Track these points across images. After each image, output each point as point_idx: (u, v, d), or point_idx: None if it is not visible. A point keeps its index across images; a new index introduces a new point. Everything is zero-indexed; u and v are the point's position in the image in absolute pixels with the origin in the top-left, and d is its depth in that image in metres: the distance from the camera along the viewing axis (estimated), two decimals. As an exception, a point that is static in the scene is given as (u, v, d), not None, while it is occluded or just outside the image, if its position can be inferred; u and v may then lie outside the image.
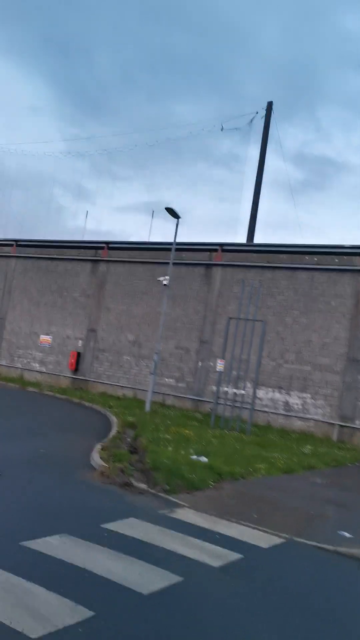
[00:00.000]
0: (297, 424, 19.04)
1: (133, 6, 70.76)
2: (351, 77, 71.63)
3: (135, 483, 8.08)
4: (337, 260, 19.12)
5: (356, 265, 18.71)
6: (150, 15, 72.18)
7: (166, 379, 21.75)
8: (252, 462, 10.75)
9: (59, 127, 79.11)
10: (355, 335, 18.44)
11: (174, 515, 6.90)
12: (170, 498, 7.67)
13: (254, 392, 16.54)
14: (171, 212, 18.00)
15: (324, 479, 10.72)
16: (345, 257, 19.01)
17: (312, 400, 18.93)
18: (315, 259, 19.51)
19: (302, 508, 8.16)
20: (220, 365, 17.10)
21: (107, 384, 23.18)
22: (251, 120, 31.55)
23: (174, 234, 18.68)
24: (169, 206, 17.81)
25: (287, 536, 6.74)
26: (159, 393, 21.45)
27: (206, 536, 6.20)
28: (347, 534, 7.18)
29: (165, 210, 18.05)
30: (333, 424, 18.34)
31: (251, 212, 28.25)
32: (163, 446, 11.06)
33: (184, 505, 7.43)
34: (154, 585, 4.56)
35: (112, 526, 6.00)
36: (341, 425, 18.20)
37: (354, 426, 17.98)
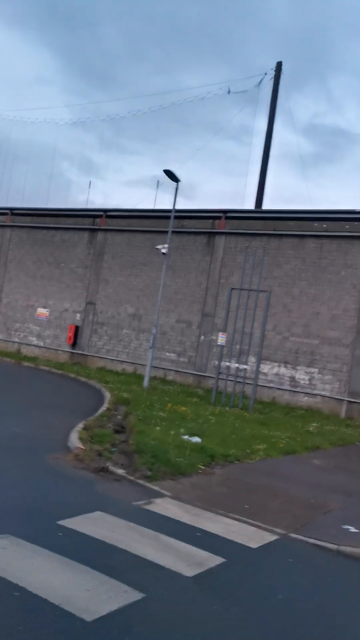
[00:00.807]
0: (304, 400, 18.04)
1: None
2: None
3: (112, 468, 7.14)
4: (348, 227, 17.85)
5: (368, 232, 17.45)
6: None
7: (167, 354, 20.78)
8: (251, 443, 9.78)
9: (65, 100, 77.16)
10: (367, 306, 17.26)
11: (151, 508, 5.95)
12: (150, 486, 6.72)
13: (258, 367, 15.52)
14: (170, 174, 16.80)
15: (329, 460, 9.74)
16: (357, 223, 17.73)
17: (320, 376, 17.88)
18: (325, 226, 18.25)
19: (301, 497, 7.18)
20: (221, 338, 16.06)
21: (107, 358, 22.27)
22: (259, 82, 29.88)
23: (173, 198, 17.49)
24: (168, 169, 16.61)
25: (282, 532, 5.77)
26: (159, 368, 20.52)
27: (185, 534, 5.24)
28: (352, 529, 6.20)
29: (164, 173, 16.84)
30: (342, 399, 17.32)
31: (259, 180, 26.86)
32: (154, 425, 10.12)
33: (165, 495, 6.48)
34: (102, 607, 3.60)
35: (70, 523, 5.05)
36: (350, 402, 17.17)
37: (364, 403, 16.95)
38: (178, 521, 5.65)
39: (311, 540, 5.65)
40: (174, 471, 7.33)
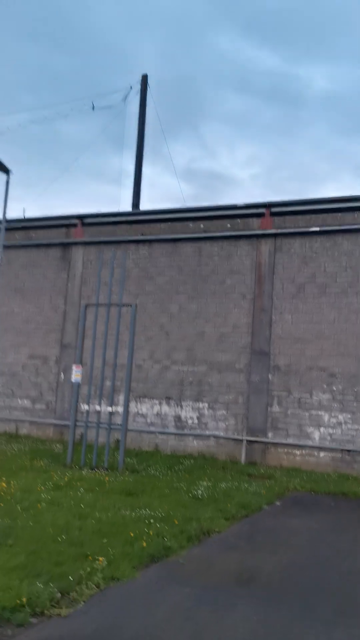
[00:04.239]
0: (194, 445, 14.23)
1: (10, 28, 64.81)
2: (230, 96, 70.59)
3: None
4: (229, 226, 14.63)
5: (254, 230, 14.31)
6: (30, 36, 66.56)
7: (19, 401, 16.16)
8: (91, 544, 5.63)
9: None
10: (260, 319, 13.98)
11: None
12: None
13: (126, 407, 11.45)
14: (-5, 162, 12.64)
15: (225, 561, 5.81)
16: (239, 220, 14.56)
17: (211, 411, 14.20)
18: (202, 226, 14.90)
19: None
20: (76, 373, 11.87)
21: None
22: (125, 97, 27.07)
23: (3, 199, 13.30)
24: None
25: None
26: (9, 420, 15.84)
27: None
28: None
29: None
30: (240, 440, 13.72)
31: (133, 189, 23.46)
32: None
33: None
34: None
35: None
36: (250, 441, 13.61)
37: (267, 440, 13.46)
38: None
39: None
40: None
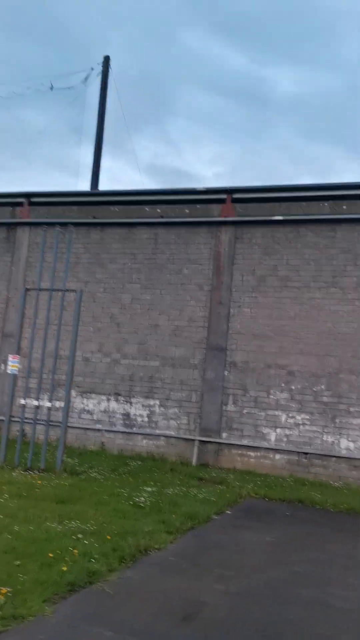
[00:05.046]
0: (143, 445, 13.24)
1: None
2: (197, 94, 69.80)
3: None
4: (188, 212, 13.69)
5: (215, 217, 13.42)
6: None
7: None
8: None
9: None
10: (217, 313, 13.11)
11: None
12: None
13: (67, 403, 10.37)
14: None
15: (159, 594, 4.85)
16: (199, 205, 13.64)
17: (162, 409, 13.25)
18: (159, 211, 13.91)
19: None
20: (12, 364, 10.70)
21: None
22: (86, 79, 25.93)
23: None
24: None
25: None
26: None
27: None
28: None
29: None
30: (192, 440, 12.82)
31: (92, 180, 22.33)
32: None
33: None
34: None
35: None
36: (203, 442, 12.73)
37: (221, 441, 12.60)
38: None
39: None
40: None
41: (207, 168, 66.37)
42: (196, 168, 65.90)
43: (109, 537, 5.84)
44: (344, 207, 12.52)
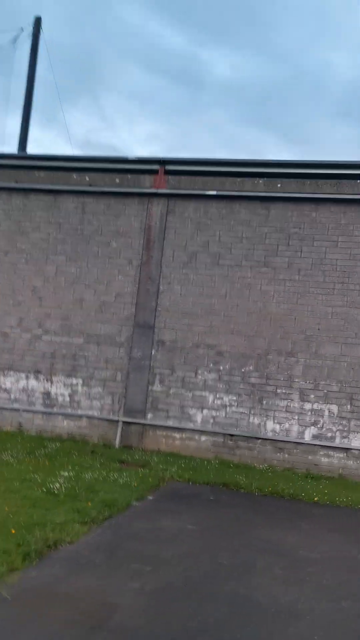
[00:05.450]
0: (63, 426, 12.56)
1: None
2: (133, 71, 67.87)
3: None
4: (118, 181, 12.94)
5: (146, 187, 12.76)
6: None
7: None
8: None
9: None
10: (146, 289, 12.53)
11: None
12: None
13: (-21, 382, 9.51)
14: None
15: (66, 597, 4.30)
16: (130, 175, 12.92)
17: (85, 388, 12.59)
18: (88, 179, 13.08)
19: None
20: None
21: None
22: (15, 40, 24.12)
23: None
24: None
25: None
26: None
27: None
28: None
29: None
30: (115, 420, 12.28)
31: (20, 137, 20.87)
32: None
33: None
34: None
35: None
36: (127, 423, 12.21)
37: (145, 422, 12.14)
38: None
39: None
40: None
41: (142, 147, 65.18)
42: (131, 146, 64.56)
43: (13, 531, 5.22)
44: (279, 185, 12.22)
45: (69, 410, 12.55)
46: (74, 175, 13.12)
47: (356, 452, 11.11)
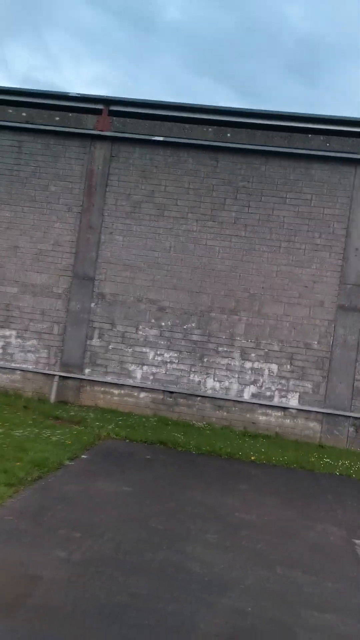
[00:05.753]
0: (-4, 380, 11.97)
1: None
2: (78, 6, 63.56)
3: None
4: (58, 119, 12.02)
5: (88, 128, 11.92)
6: None
7: None
8: None
9: None
10: (87, 238, 11.89)
11: None
12: None
13: None
14: None
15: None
16: (71, 114, 12.02)
17: (19, 341, 11.99)
18: (25, 115, 12.07)
19: None
20: None
21: None
22: None
23: None
24: None
25: None
26: None
27: None
28: None
29: None
30: (51, 375, 11.80)
31: None
32: None
33: None
34: None
35: None
36: (63, 377, 11.77)
37: (83, 377, 11.73)
38: None
39: None
40: None
41: (87, 89, 62.16)
42: (75, 87, 61.38)
43: None
44: (229, 134, 11.69)
45: (2, 363, 11.94)
46: (10, 110, 12.08)
47: (293, 411, 11.18)
